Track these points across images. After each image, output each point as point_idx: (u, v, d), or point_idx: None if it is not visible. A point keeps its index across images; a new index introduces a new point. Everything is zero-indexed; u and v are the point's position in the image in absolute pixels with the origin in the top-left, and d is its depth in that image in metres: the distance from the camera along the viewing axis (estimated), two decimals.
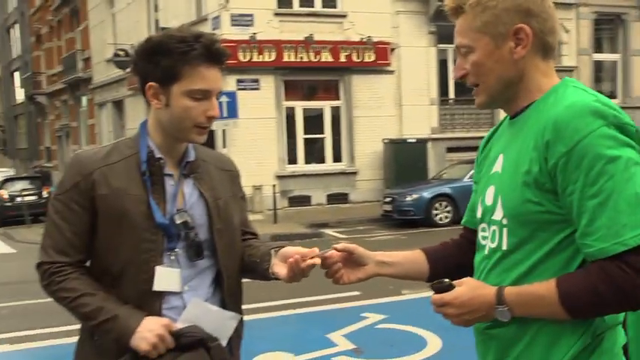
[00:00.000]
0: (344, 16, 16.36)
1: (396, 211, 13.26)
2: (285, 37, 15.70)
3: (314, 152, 16.78)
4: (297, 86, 16.66)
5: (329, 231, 12.92)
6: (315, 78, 16.60)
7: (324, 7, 16.51)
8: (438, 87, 17.51)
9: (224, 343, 1.71)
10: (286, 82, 16.22)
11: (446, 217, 13.15)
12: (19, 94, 39.18)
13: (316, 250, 1.61)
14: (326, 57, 16.01)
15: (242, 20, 15.55)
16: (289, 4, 16.27)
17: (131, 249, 1.65)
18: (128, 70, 20.16)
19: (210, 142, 16.84)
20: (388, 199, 13.54)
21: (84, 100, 26.98)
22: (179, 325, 1.64)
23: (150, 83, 1.65)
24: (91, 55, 24.78)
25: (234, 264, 1.80)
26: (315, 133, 16.64)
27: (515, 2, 1.35)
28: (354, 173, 16.67)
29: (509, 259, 1.36)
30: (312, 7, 16.41)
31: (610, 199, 1.20)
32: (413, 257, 1.63)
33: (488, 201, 1.42)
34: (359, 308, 6.21)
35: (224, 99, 14.03)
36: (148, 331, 1.58)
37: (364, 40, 16.20)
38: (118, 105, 22.83)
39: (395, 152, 15.90)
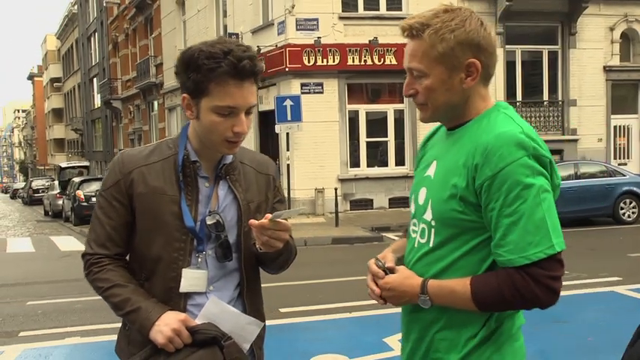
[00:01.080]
0: None
1: None
2: (350, 41, 15.77)
3: (377, 156, 16.76)
4: (361, 89, 16.69)
5: (390, 235, 12.83)
6: (378, 81, 16.59)
7: (388, 9, 16.49)
8: (505, 89, 17.12)
9: (246, 347, 1.74)
10: (350, 86, 16.28)
11: None
12: (97, 100, 41.09)
13: (269, 215, 1.67)
14: (390, 60, 15.96)
15: (307, 24, 15.73)
16: (354, 8, 16.34)
17: (162, 247, 1.71)
18: None
19: (274, 145, 17.13)
20: None
21: (155, 104, 27.99)
22: (197, 321, 1.68)
23: (184, 94, 1.69)
24: (163, 61, 25.67)
25: (254, 265, 1.84)
26: (378, 137, 16.62)
27: (469, 37, 1.52)
28: None
29: (433, 255, 1.60)
30: (377, 10, 16.41)
31: (521, 219, 1.44)
32: (403, 244, 1.81)
33: (420, 201, 1.65)
34: None
35: (288, 102, 14.25)
36: (165, 324, 1.63)
37: None
38: None
39: None
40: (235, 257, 1.78)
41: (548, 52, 17.82)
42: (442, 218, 1.55)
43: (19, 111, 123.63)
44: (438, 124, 1.73)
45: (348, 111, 16.28)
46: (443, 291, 1.53)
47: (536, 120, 17.49)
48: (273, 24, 16.50)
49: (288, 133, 14.74)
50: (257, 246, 1.74)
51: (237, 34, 18.06)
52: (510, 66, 17.29)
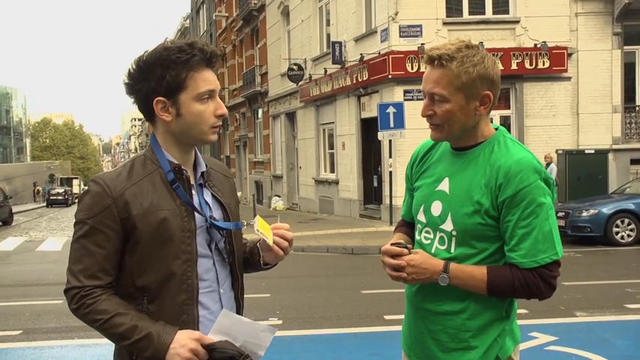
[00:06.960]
0: (517, 22, 15.73)
1: (569, 227, 12.38)
2: None
3: None
4: None
5: None
6: None
7: (495, 13, 16.01)
8: (623, 93, 16.08)
9: (261, 354, 1.73)
10: None
11: (628, 236, 12.00)
12: None
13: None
14: None
15: (411, 31, 15.62)
16: (459, 13, 16.01)
17: (172, 262, 1.68)
18: (301, 83, 21.21)
19: (376, 152, 17.03)
20: (561, 214, 12.68)
21: (260, 112, 28.87)
22: (211, 337, 1.66)
23: (157, 99, 1.69)
24: (268, 71, 26.45)
25: (241, 265, 1.90)
26: None
27: (486, 72, 1.80)
28: None
29: (454, 260, 1.83)
30: (483, 14, 15.99)
31: (534, 231, 1.76)
32: (401, 237, 2.08)
33: (436, 212, 1.89)
34: (527, 327, 5.91)
35: (391, 110, 14.21)
36: (181, 346, 1.60)
37: (539, 45, 15.42)
38: (290, 116, 24.10)
39: (570, 164, 14.90)
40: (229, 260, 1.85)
41: None
42: (466, 229, 1.82)
43: (135, 119, 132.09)
44: (427, 139, 2.00)
45: None
46: (463, 273, 1.80)
47: None
48: (376, 31, 16.52)
49: (390, 140, 14.69)
50: (271, 261, 1.89)
51: (340, 43, 18.26)
52: (629, 68, 16.21)
